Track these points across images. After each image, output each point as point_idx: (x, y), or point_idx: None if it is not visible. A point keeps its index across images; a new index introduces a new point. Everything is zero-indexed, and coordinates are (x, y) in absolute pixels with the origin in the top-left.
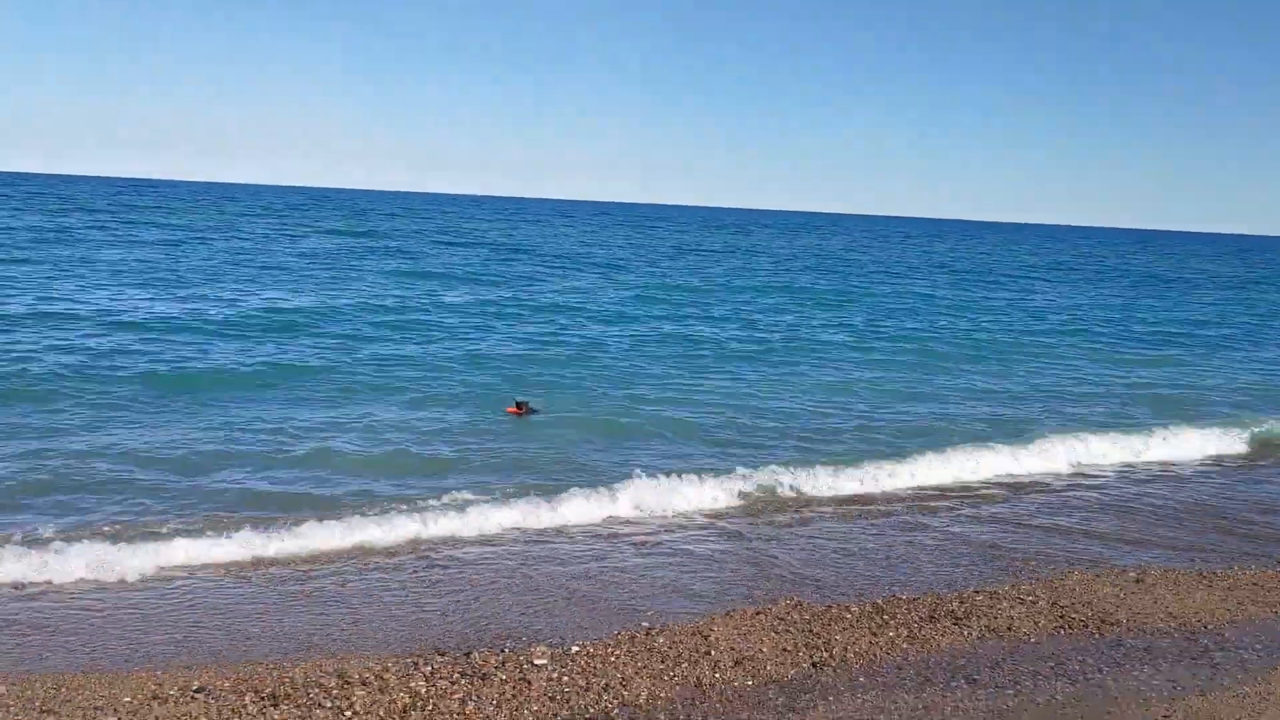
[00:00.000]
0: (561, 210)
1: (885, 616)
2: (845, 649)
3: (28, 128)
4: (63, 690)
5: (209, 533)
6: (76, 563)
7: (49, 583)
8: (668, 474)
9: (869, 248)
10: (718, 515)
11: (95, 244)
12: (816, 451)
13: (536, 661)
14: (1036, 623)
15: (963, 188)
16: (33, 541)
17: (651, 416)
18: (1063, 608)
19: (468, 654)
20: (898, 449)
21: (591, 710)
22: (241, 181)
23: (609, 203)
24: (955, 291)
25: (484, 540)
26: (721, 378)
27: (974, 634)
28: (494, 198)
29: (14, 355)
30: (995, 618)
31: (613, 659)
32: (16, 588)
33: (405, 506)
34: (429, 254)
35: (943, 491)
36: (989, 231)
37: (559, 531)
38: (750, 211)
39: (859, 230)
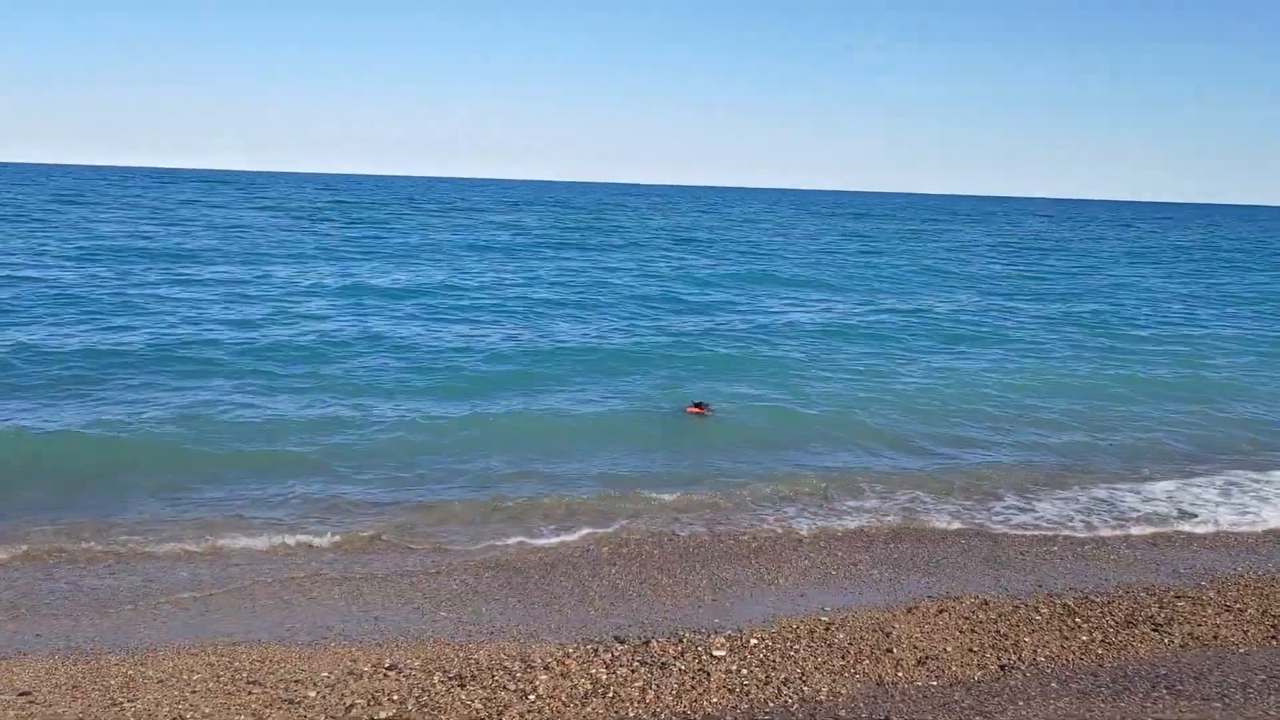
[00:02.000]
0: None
1: (1077, 619)
2: (1035, 652)
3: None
4: (265, 663)
5: (403, 515)
6: (270, 537)
7: (244, 551)
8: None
9: (1050, 231)
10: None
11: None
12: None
13: (715, 653)
14: (1245, 632)
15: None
16: (232, 516)
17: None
18: (1275, 616)
19: (646, 643)
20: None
21: (771, 704)
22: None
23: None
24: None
25: (656, 531)
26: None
27: (1176, 642)
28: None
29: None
30: (1199, 625)
31: (792, 653)
32: (210, 556)
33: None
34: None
35: None
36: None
37: (732, 525)
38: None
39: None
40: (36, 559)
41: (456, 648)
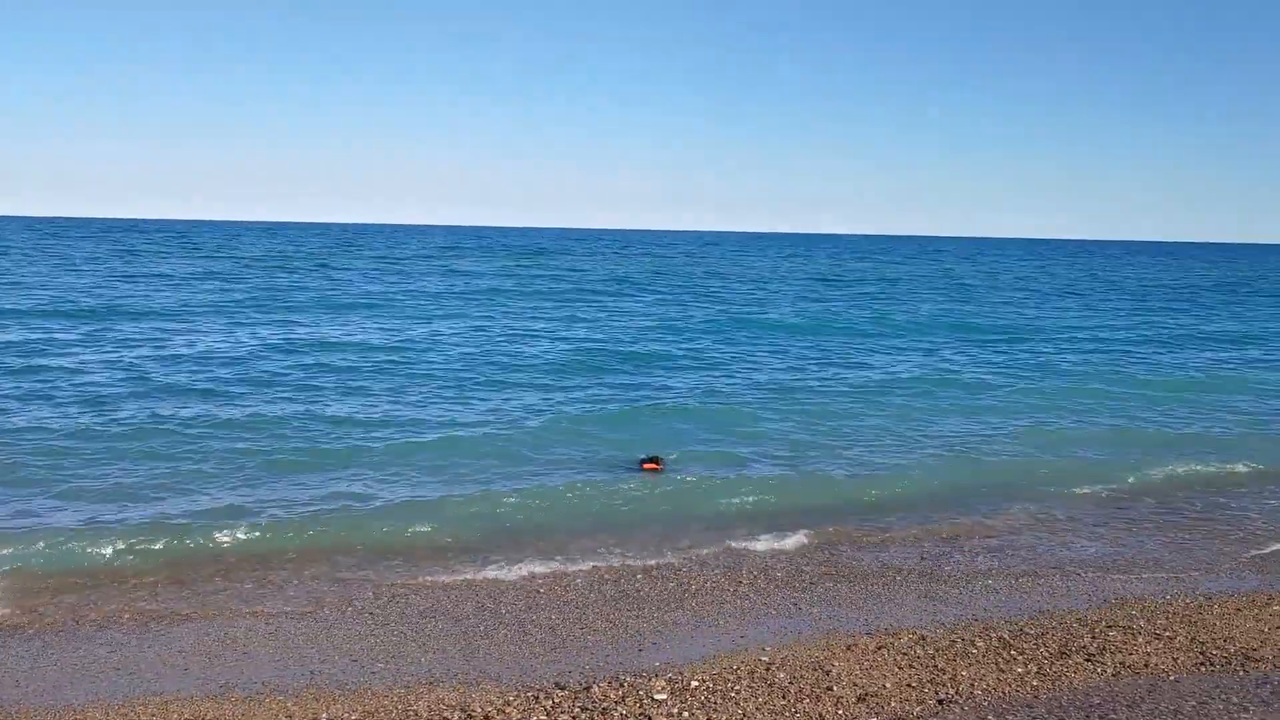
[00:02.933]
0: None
1: (1013, 652)
2: (973, 685)
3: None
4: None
5: (341, 557)
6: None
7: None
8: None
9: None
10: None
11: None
12: None
13: (657, 696)
14: (1175, 659)
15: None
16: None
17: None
18: (1202, 643)
19: (587, 688)
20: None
21: None
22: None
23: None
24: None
25: (591, 571)
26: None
27: (1109, 671)
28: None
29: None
30: (1131, 654)
31: (733, 694)
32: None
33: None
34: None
35: None
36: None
37: (672, 568)
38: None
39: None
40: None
41: (396, 699)
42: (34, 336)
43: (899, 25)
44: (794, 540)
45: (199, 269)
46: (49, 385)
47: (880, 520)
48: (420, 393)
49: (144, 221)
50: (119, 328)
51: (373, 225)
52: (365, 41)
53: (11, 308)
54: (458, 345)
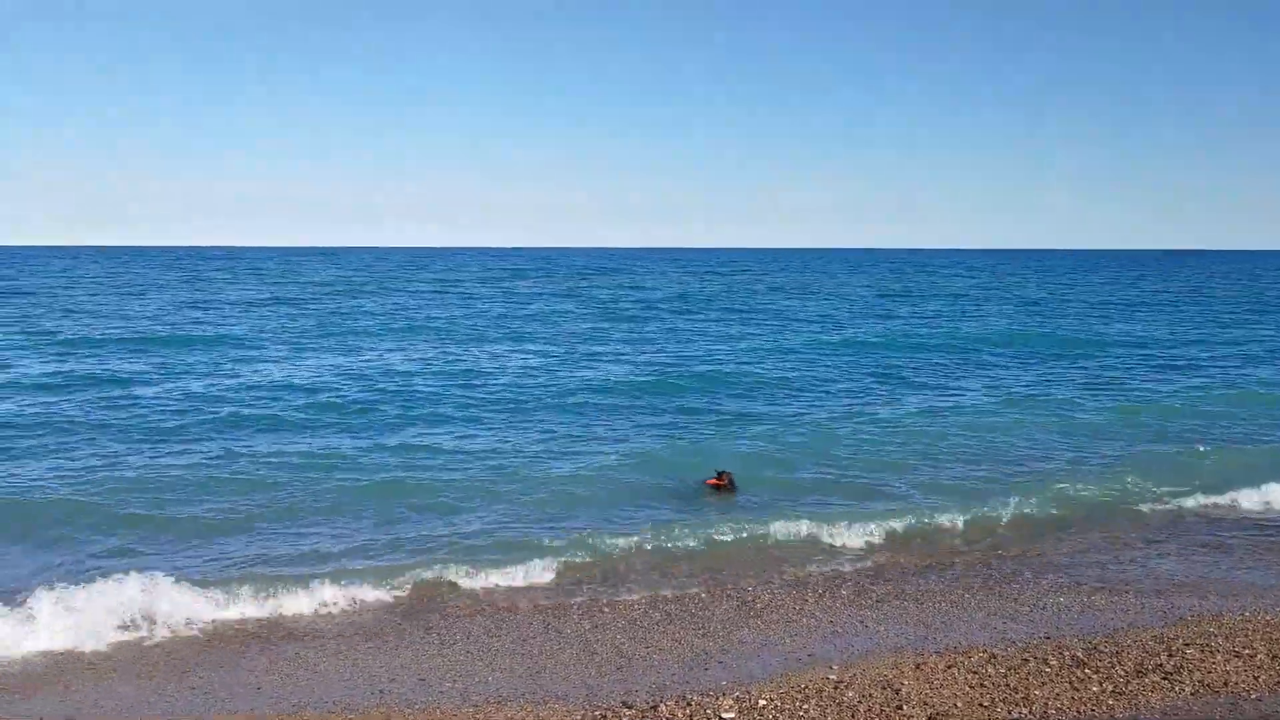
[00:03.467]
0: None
1: (1087, 670)
2: (1046, 705)
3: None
4: None
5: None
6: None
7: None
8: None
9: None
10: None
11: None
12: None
13: (724, 715)
14: (1256, 677)
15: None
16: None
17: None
18: None
19: (654, 707)
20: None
21: None
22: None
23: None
24: None
25: (655, 591)
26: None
27: (1187, 690)
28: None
29: None
30: (1209, 672)
31: (801, 713)
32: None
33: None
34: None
35: None
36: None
37: (737, 585)
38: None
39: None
40: None
41: (464, 718)
42: (116, 367)
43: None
44: (860, 559)
45: (266, 294)
46: (133, 416)
47: (948, 539)
48: (488, 417)
49: (207, 249)
50: (191, 356)
51: (432, 249)
52: (420, 67)
53: (85, 337)
54: (525, 369)
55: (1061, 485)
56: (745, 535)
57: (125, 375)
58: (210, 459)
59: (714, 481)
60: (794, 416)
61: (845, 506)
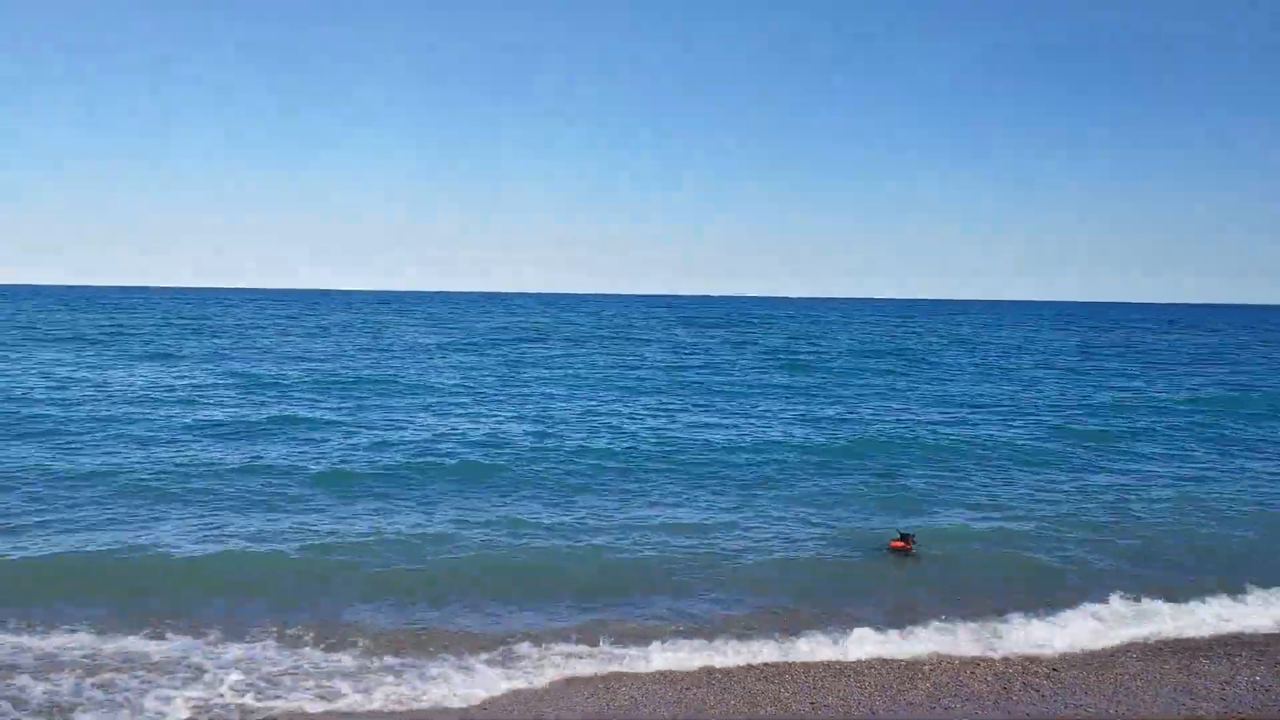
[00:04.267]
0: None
1: None
2: None
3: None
4: None
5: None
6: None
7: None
8: None
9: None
10: None
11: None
12: None
13: None
14: None
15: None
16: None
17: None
18: None
19: None
20: None
21: None
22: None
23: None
24: None
25: (871, 655)
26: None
27: None
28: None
29: None
30: None
31: None
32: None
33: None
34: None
35: None
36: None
37: (929, 654)
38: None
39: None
40: None
41: None
42: (306, 413)
43: None
44: (1079, 625)
45: (445, 339)
46: (336, 455)
47: (1181, 598)
48: (674, 476)
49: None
50: (385, 401)
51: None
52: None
53: (274, 379)
54: (707, 428)
55: None
56: (941, 601)
57: (380, 423)
58: (488, 523)
59: (899, 544)
60: (965, 467)
61: (1046, 568)
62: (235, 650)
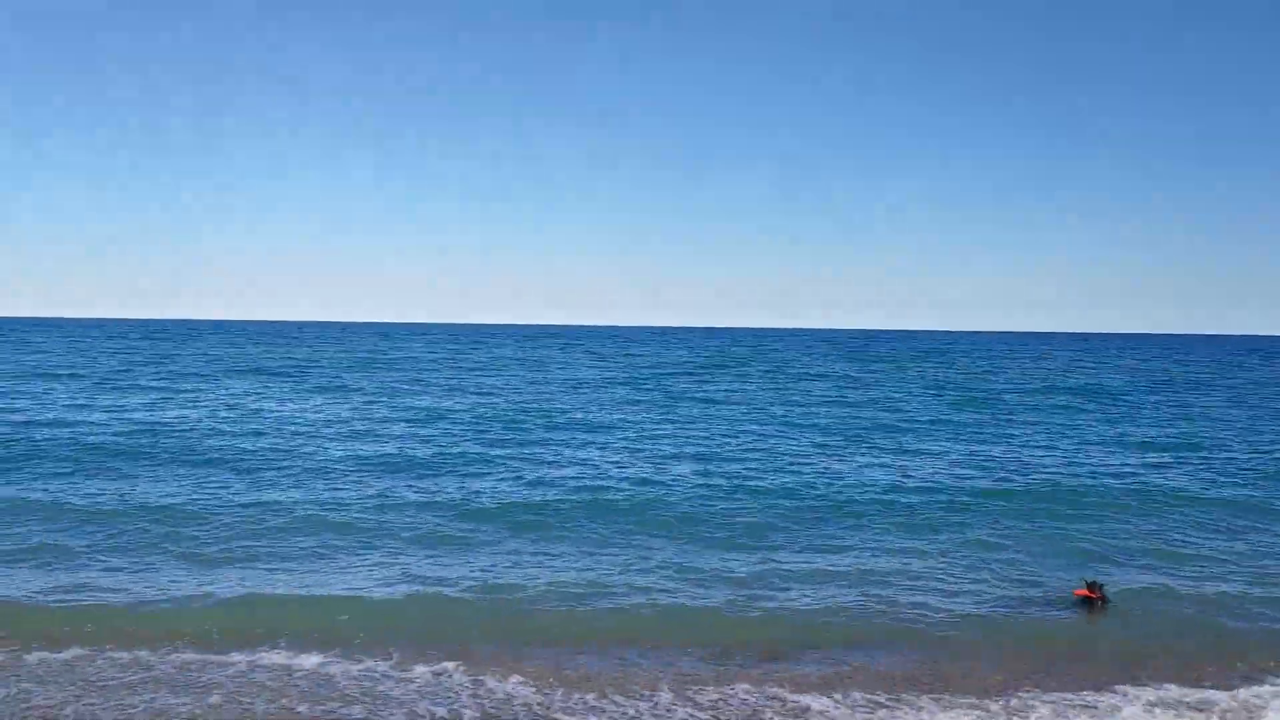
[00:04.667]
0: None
1: None
2: None
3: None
4: None
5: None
6: None
7: None
8: None
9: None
10: None
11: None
12: None
13: None
14: None
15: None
16: None
17: None
18: None
19: None
20: None
21: None
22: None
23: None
24: None
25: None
26: None
27: None
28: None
29: None
30: None
31: None
32: None
33: None
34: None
35: None
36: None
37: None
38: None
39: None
40: None
41: None
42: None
43: None
44: None
45: (607, 373)
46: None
47: None
48: (843, 518)
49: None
50: (551, 435)
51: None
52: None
53: (444, 412)
54: (879, 468)
55: None
56: (1139, 659)
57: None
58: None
59: (1084, 593)
60: (1151, 512)
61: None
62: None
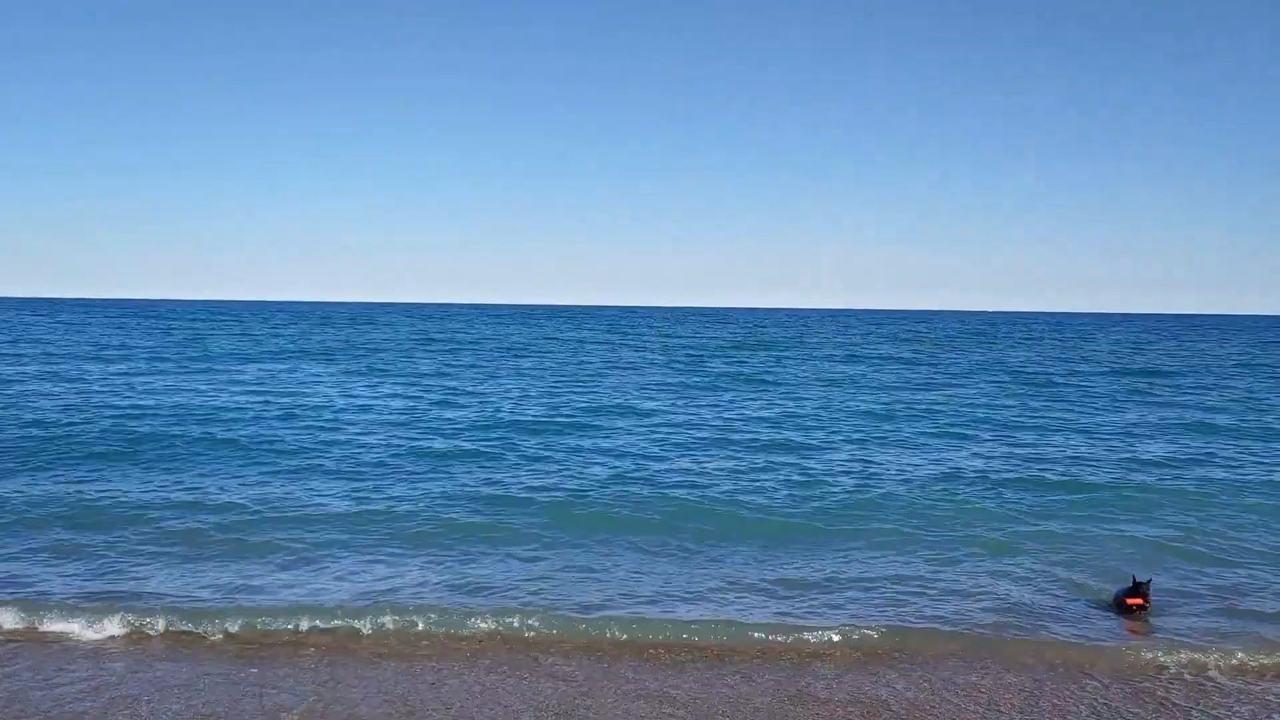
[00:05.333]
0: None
1: None
2: None
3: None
4: None
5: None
6: None
7: None
8: None
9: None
10: None
11: None
12: None
13: None
14: None
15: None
16: None
17: None
18: None
19: None
20: None
21: None
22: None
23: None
24: None
25: None
26: None
27: None
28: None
29: None
30: None
31: None
32: None
33: None
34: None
35: None
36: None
37: None
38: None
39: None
40: None
41: None
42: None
43: None
44: None
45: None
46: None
47: None
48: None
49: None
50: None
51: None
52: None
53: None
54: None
55: None
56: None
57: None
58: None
59: (1133, 600)
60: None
61: None
62: None
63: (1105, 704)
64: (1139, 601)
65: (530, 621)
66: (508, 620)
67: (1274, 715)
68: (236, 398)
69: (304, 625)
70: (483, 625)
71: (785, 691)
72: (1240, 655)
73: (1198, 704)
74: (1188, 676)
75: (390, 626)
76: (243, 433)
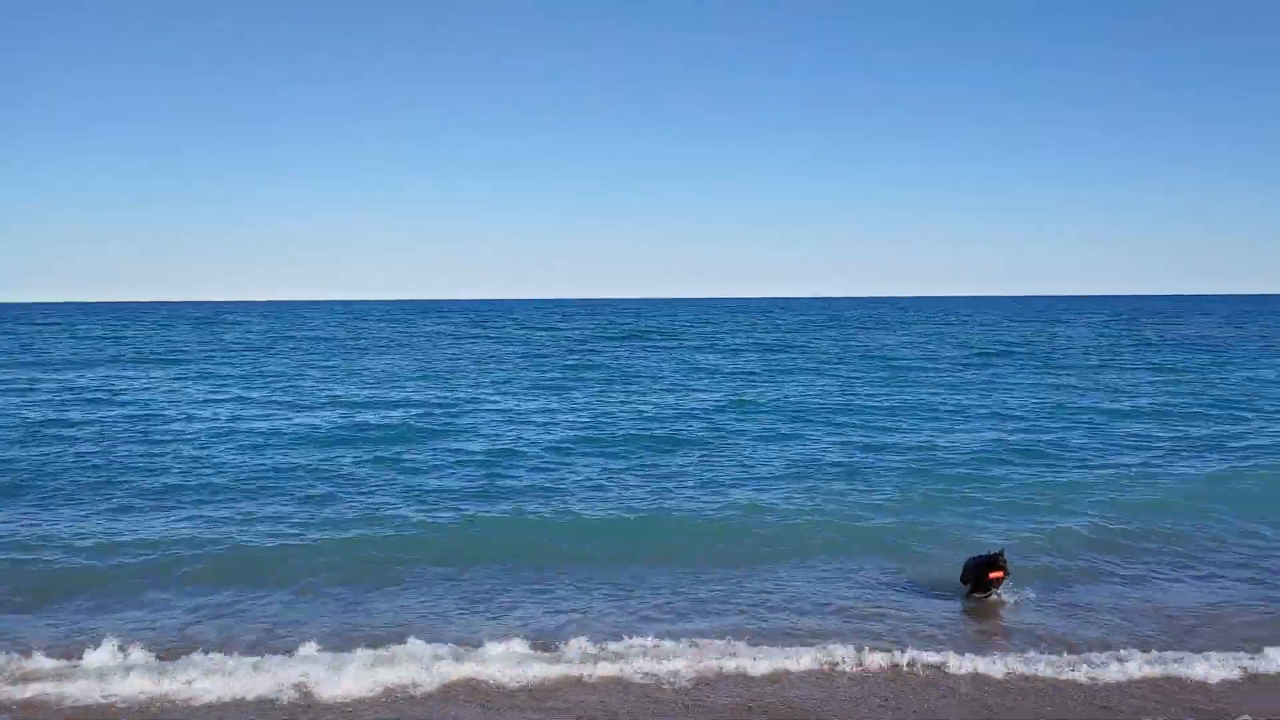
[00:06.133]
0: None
1: None
2: None
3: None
4: None
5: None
6: None
7: None
8: None
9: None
10: None
11: None
12: None
13: None
14: None
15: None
16: None
17: None
18: None
19: None
20: None
21: None
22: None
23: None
24: None
25: None
26: None
27: None
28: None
29: None
30: None
31: None
32: None
33: None
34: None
35: None
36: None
37: None
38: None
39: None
40: None
41: None
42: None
43: None
44: None
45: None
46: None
47: None
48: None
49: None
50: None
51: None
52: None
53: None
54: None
55: None
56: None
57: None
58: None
59: (996, 574)
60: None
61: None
62: None
63: None
64: (1000, 575)
65: None
66: None
67: None
68: None
69: None
70: None
71: None
72: None
73: None
74: None
75: None
76: None
